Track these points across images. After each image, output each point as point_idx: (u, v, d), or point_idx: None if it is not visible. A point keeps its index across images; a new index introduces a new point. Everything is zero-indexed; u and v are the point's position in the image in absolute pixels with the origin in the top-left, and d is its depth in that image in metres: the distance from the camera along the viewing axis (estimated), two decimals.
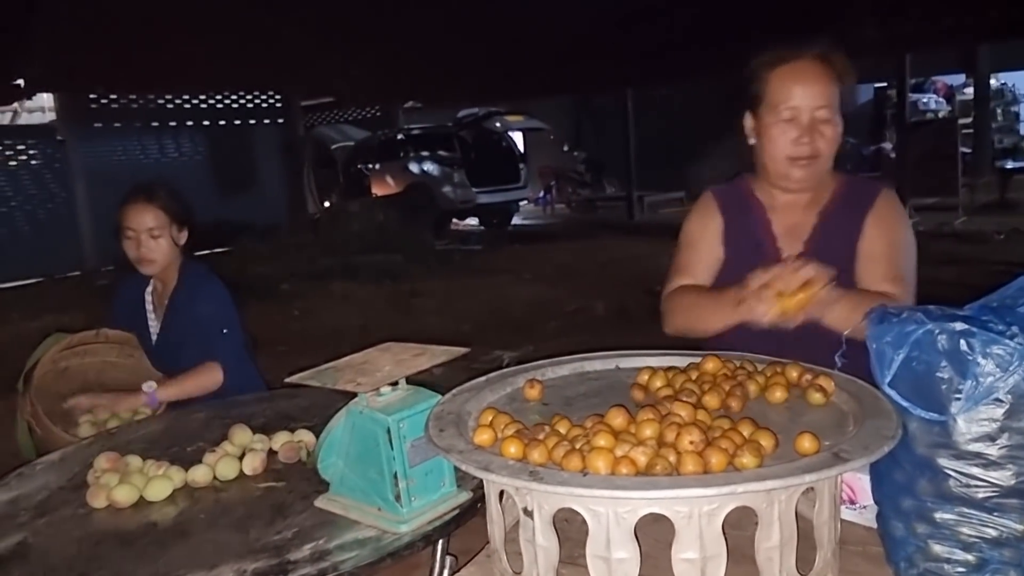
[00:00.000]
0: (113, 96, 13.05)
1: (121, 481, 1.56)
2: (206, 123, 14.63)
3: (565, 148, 19.05)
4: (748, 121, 1.78)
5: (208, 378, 2.37)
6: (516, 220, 15.86)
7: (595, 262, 10.18)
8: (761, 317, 1.49)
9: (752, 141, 1.79)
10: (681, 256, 1.89)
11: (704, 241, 1.86)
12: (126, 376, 2.45)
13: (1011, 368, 0.97)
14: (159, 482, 1.58)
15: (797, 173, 1.70)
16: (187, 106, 14.31)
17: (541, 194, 18.03)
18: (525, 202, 16.39)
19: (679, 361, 1.49)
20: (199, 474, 1.62)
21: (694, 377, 1.38)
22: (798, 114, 1.64)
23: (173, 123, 14.15)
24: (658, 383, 1.36)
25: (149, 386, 2.24)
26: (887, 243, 1.69)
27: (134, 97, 13.39)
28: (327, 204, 15.77)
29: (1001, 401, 0.99)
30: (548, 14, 10.40)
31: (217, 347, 2.41)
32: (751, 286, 1.50)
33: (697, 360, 1.45)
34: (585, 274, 9.47)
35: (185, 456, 1.74)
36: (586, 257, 10.67)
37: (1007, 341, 0.98)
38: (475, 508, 1.41)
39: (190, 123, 14.38)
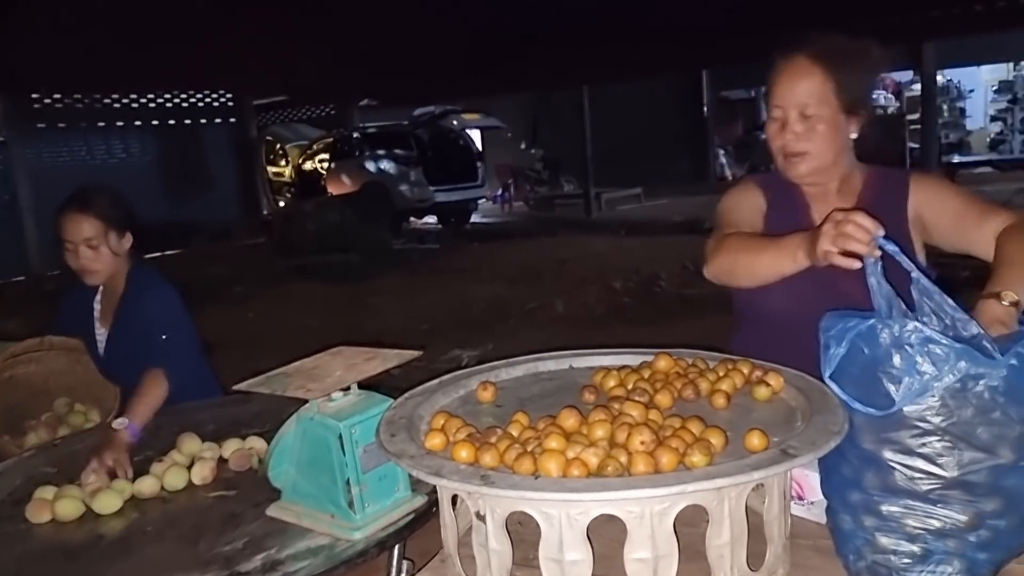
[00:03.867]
0: (57, 96, 12.73)
1: (64, 495, 1.52)
2: (155, 123, 14.35)
3: (522, 146, 19.06)
4: None
5: (160, 388, 2.29)
6: (474, 218, 15.83)
7: (554, 259, 10.20)
8: (824, 258, 1.32)
9: None
10: (725, 222, 1.75)
11: (747, 211, 1.78)
12: (74, 384, 2.38)
13: (949, 366, 0.99)
14: (106, 495, 1.54)
15: (790, 170, 1.69)
16: (135, 106, 14.03)
17: (499, 192, 18.03)
18: (483, 200, 16.35)
19: (632, 360, 1.50)
20: (146, 485, 1.58)
21: (647, 376, 1.39)
22: (782, 112, 1.65)
23: (121, 123, 13.86)
24: (611, 383, 1.37)
25: (120, 423, 2.09)
26: (951, 196, 1.65)
27: (79, 97, 13.08)
28: (281, 204, 15.57)
29: (941, 396, 1.01)
30: (504, 11, 10.39)
31: (158, 354, 2.34)
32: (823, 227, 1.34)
33: (650, 359, 1.46)
34: (544, 272, 9.48)
35: (132, 466, 1.70)
36: (545, 255, 10.68)
37: (945, 340, 0.99)
38: (431, 512, 1.40)
39: (138, 123, 14.10)
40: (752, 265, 1.55)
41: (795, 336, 1.37)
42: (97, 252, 2.37)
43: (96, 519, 1.51)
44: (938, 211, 1.65)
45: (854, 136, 1.68)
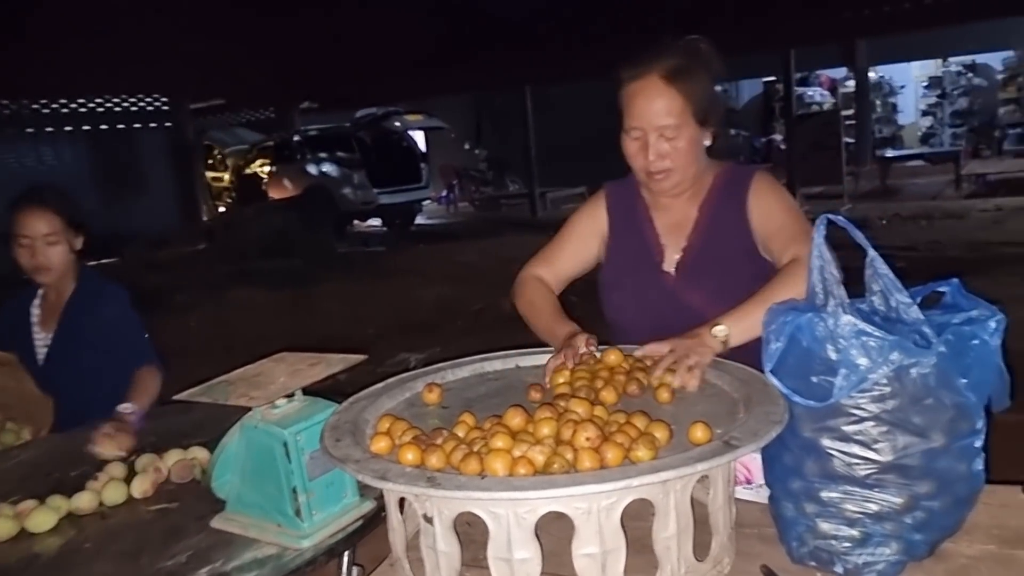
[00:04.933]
0: None
1: None
2: (87, 128, 13.97)
3: (466, 146, 19.04)
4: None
5: (154, 385, 2.22)
6: (419, 220, 15.75)
7: (500, 259, 10.17)
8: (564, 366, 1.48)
9: None
10: (554, 244, 1.93)
11: (582, 239, 1.90)
12: (7, 401, 2.30)
13: (883, 357, 1.02)
14: (41, 513, 1.49)
15: (655, 187, 1.74)
16: (65, 111, 13.60)
17: (444, 193, 17.97)
18: (428, 201, 16.29)
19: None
20: (84, 501, 1.53)
21: (595, 372, 1.39)
22: (642, 134, 1.67)
23: (51, 129, 13.46)
24: (560, 380, 1.37)
25: (125, 407, 2.02)
26: (778, 211, 1.71)
27: (6, 103, 12.65)
28: (222, 210, 15.28)
29: (875, 387, 1.04)
30: (445, 13, 10.36)
31: (145, 351, 2.30)
32: (575, 347, 1.50)
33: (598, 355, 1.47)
34: (490, 272, 9.47)
35: (68, 482, 1.64)
36: (491, 255, 10.67)
37: (878, 332, 1.02)
38: (380, 517, 1.39)
39: (69, 129, 13.70)
40: (535, 326, 1.76)
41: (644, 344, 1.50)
42: (54, 249, 2.31)
43: (31, 538, 1.46)
44: (763, 222, 1.72)
45: (708, 143, 1.73)
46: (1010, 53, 17.60)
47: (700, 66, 1.67)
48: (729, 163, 1.82)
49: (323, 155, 14.34)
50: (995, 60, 18.08)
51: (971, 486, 1.11)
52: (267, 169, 14.86)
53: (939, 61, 18.79)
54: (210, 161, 16.06)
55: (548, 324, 1.72)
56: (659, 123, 1.64)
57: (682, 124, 1.64)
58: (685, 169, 1.70)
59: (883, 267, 1.12)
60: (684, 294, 1.71)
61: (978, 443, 1.10)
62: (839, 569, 1.11)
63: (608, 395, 1.28)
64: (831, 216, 1.15)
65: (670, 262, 1.77)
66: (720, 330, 1.43)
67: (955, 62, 18.61)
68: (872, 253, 1.12)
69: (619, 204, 1.88)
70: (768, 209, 1.72)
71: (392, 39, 11.31)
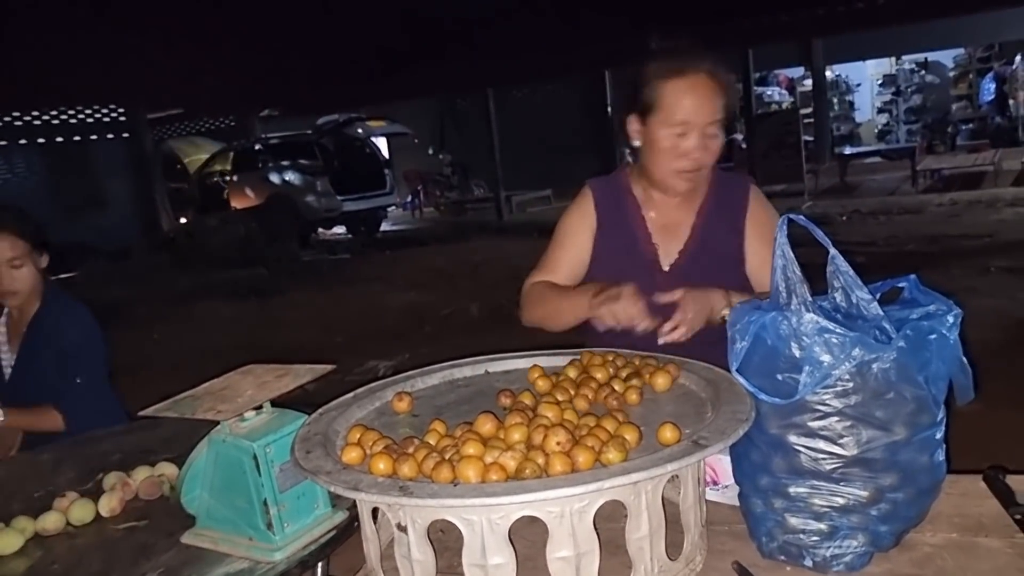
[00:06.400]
0: None
1: None
2: (41, 141, 13.70)
3: (430, 151, 19.02)
4: (634, 124, 1.77)
5: (47, 421, 2.21)
6: (385, 226, 15.70)
7: (467, 264, 10.21)
8: (603, 322, 1.57)
9: (637, 144, 1.80)
10: (550, 252, 1.91)
11: (574, 241, 1.88)
12: None
13: (845, 353, 1.04)
14: (6, 534, 1.46)
15: (681, 185, 1.74)
16: (18, 123, 13.33)
17: (408, 199, 17.93)
18: (393, 207, 16.24)
19: (546, 361, 1.52)
20: (50, 521, 1.51)
21: (572, 375, 1.40)
22: (690, 129, 1.66)
23: (3, 142, 13.16)
24: (542, 384, 1.38)
25: None
26: (765, 244, 1.74)
27: None
28: (183, 220, 15.08)
29: (839, 383, 1.06)
30: (403, 15, 10.33)
31: (66, 391, 2.26)
32: (611, 293, 1.55)
33: (564, 361, 1.48)
34: (458, 276, 9.49)
35: (33, 503, 1.61)
36: (458, 259, 10.68)
37: (839, 329, 1.04)
38: (353, 527, 1.38)
39: (23, 141, 13.42)
40: (559, 314, 1.75)
41: (633, 343, 1.55)
42: (20, 272, 2.27)
43: None
44: (754, 246, 1.78)
45: None
46: (961, 51, 18.04)
47: (723, 66, 1.70)
48: (716, 169, 1.83)
49: (285, 163, 14.23)
50: (947, 58, 18.52)
51: (933, 477, 1.14)
52: (229, 178, 14.69)
53: (893, 59, 19.18)
54: (169, 171, 15.84)
55: (569, 297, 1.71)
56: (709, 119, 1.66)
57: (719, 124, 1.68)
58: (709, 169, 1.73)
59: (844, 264, 1.14)
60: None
61: (939, 435, 1.12)
62: (808, 562, 1.13)
63: (581, 403, 1.28)
64: (792, 215, 1.17)
65: (666, 261, 1.78)
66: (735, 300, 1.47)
67: (908, 60, 19.03)
68: (833, 251, 1.14)
69: (606, 200, 1.87)
70: (763, 238, 1.76)
71: (352, 44, 11.25)
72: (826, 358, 1.05)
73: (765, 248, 1.73)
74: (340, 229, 15.34)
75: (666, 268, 1.78)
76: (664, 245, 1.81)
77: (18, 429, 2.23)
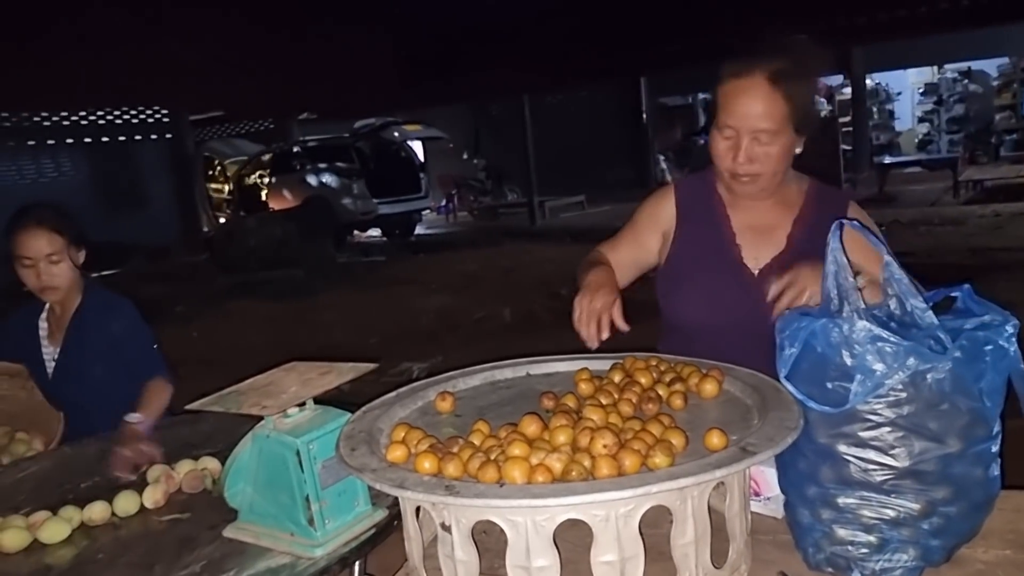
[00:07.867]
0: None
1: (8, 525, 1.46)
2: (88, 140, 13.99)
3: (464, 156, 19.07)
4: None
5: (165, 397, 2.22)
6: (419, 230, 15.77)
7: (500, 269, 10.22)
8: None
9: None
10: (619, 232, 1.89)
11: (639, 230, 1.86)
12: (17, 411, 2.30)
13: (899, 363, 1.02)
14: (54, 524, 1.49)
15: (739, 188, 1.70)
16: (66, 123, 13.63)
17: (443, 203, 18.00)
18: (427, 211, 16.31)
19: (587, 364, 1.51)
20: (96, 511, 1.53)
21: (616, 380, 1.40)
22: (736, 133, 1.61)
23: (52, 141, 13.48)
24: (585, 387, 1.37)
25: (133, 417, 2.03)
26: (866, 255, 1.59)
27: (7, 115, 12.67)
28: (222, 221, 15.29)
29: (891, 392, 1.04)
30: (443, 22, 10.40)
31: (155, 363, 2.31)
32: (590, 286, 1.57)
33: (607, 365, 1.48)
34: (490, 281, 9.49)
35: (80, 493, 1.64)
36: (490, 264, 10.69)
37: (893, 337, 1.02)
38: (392, 525, 1.39)
39: (70, 141, 13.72)
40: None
41: (711, 343, 1.53)
42: (59, 268, 2.30)
43: (43, 549, 1.45)
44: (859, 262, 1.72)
45: (799, 151, 1.68)
46: (1005, 60, 17.67)
47: (806, 70, 1.63)
48: (815, 179, 1.79)
49: (322, 166, 14.36)
50: (990, 67, 18.15)
51: (987, 491, 1.11)
52: (267, 180, 14.87)
53: (935, 68, 18.86)
54: (210, 172, 16.07)
55: (584, 274, 1.67)
56: (757, 126, 1.58)
57: (780, 130, 1.59)
58: (773, 176, 1.66)
59: (898, 271, 1.12)
60: (766, 298, 1.57)
61: (994, 448, 1.10)
62: (856, 575, 1.11)
63: (626, 407, 1.27)
64: (844, 221, 1.15)
65: (754, 264, 1.73)
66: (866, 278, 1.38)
67: (951, 69, 18.68)
68: (887, 257, 1.12)
69: (690, 198, 1.82)
70: (856, 247, 1.70)
71: (389, 50, 11.34)
72: (879, 367, 1.03)
73: (862, 260, 1.65)
74: (375, 232, 15.44)
75: (756, 271, 1.72)
76: (751, 247, 1.75)
77: (60, 420, 2.26)
